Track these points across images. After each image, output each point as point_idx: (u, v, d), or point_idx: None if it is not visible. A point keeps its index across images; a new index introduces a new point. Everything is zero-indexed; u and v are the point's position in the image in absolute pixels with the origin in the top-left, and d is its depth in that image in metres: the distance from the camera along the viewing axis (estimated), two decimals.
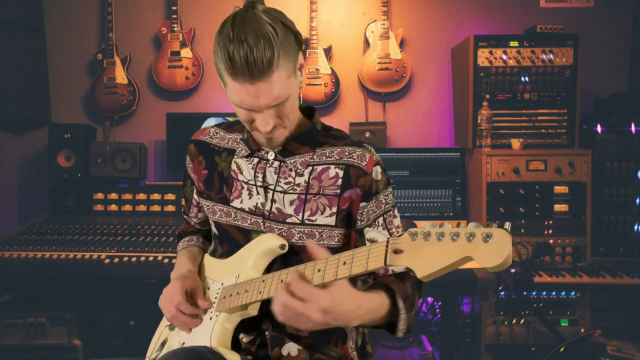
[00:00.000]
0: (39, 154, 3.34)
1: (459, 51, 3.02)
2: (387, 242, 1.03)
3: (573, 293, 2.60)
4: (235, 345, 1.34)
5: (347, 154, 1.32)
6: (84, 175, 3.03)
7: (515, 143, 2.73)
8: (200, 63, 3.23)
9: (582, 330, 2.57)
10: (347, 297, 1.11)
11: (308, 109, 1.39)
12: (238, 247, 1.36)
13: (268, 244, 1.30)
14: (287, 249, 1.29)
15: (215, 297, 1.36)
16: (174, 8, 3.20)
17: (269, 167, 1.34)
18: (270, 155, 1.33)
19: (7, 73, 3.08)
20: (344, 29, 3.28)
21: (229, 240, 1.39)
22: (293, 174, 1.32)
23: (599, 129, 2.73)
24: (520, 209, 2.64)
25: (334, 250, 1.24)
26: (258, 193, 1.33)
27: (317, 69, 3.16)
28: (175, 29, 3.21)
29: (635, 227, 2.71)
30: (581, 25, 3.09)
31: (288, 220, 1.31)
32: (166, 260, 2.36)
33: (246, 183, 1.35)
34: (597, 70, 3.15)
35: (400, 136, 3.30)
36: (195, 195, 1.50)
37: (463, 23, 3.24)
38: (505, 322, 2.61)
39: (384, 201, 1.33)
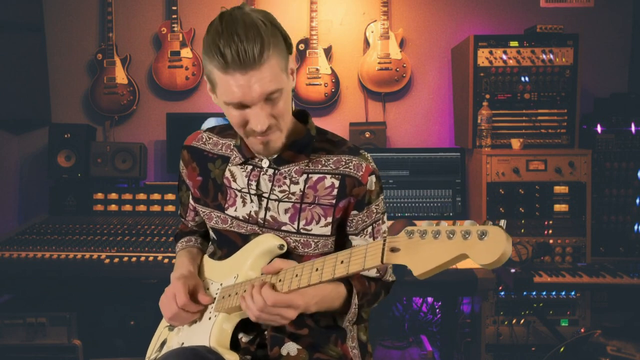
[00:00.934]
0: (39, 154, 3.35)
1: (459, 51, 3.02)
2: (384, 240, 1.04)
3: (573, 293, 2.60)
4: (235, 345, 1.34)
5: (343, 163, 1.31)
6: (84, 175, 3.03)
7: (515, 143, 2.73)
8: (200, 63, 3.23)
9: (582, 330, 2.57)
10: (312, 290, 1.20)
11: (302, 114, 1.37)
12: (237, 250, 1.36)
13: (267, 244, 1.30)
14: (285, 248, 1.29)
15: (214, 298, 1.36)
16: (174, 8, 3.21)
17: (263, 175, 1.32)
18: (265, 163, 1.32)
19: (7, 73, 3.08)
20: (344, 29, 3.27)
21: (228, 245, 1.38)
22: (288, 182, 1.31)
23: (599, 129, 2.73)
24: (520, 209, 2.63)
25: None
26: (252, 201, 1.32)
27: (317, 69, 3.16)
28: (175, 29, 3.21)
29: (635, 227, 2.71)
30: (581, 25, 3.09)
31: (283, 228, 1.31)
32: (166, 260, 2.37)
33: (239, 191, 1.35)
34: (597, 70, 3.15)
35: (400, 136, 3.30)
36: (191, 201, 1.50)
37: (463, 23, 3.24)
38: (505, 322, 2.61)
39: (375, 211, 1.33)
